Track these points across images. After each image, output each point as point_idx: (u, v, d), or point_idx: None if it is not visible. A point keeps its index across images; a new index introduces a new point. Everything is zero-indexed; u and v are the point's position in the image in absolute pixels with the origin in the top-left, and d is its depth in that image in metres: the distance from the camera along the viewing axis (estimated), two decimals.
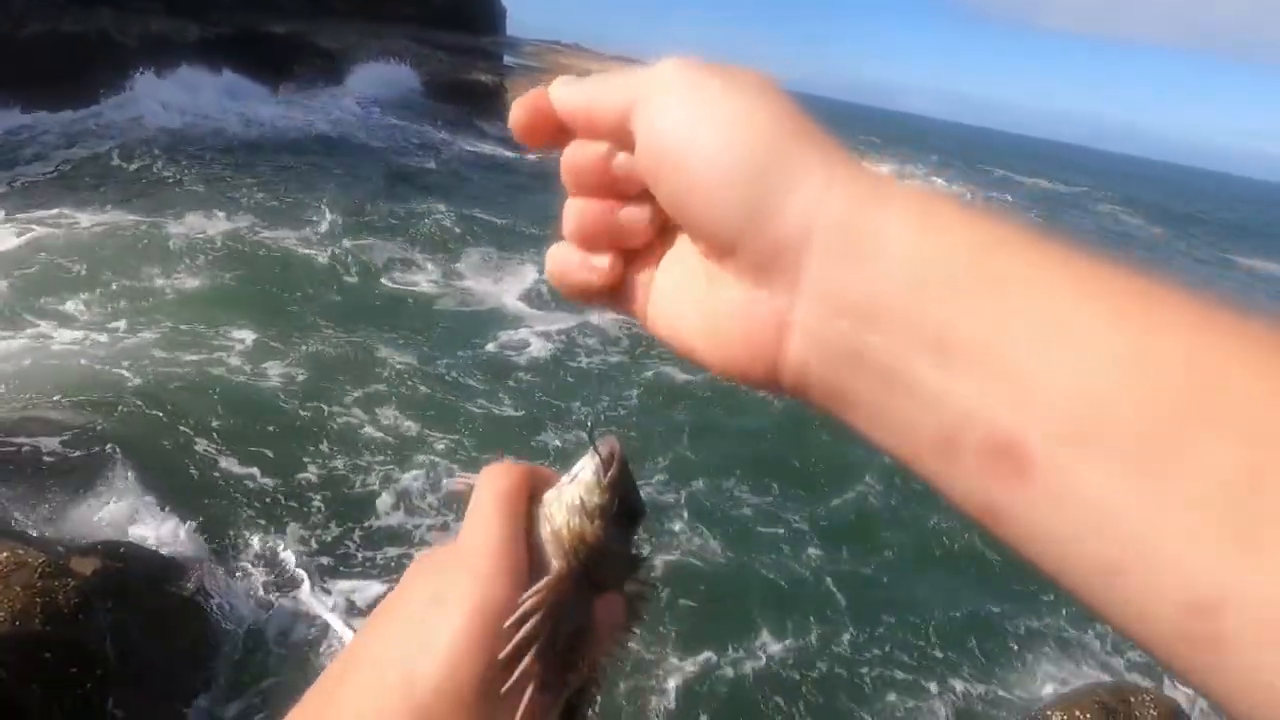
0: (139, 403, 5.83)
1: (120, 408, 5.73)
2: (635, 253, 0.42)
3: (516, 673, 0.43)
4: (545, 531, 0.47)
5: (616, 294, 0.42)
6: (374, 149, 16.52)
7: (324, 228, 10.62)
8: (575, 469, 0.49)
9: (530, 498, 0.49)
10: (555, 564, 0.46)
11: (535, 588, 0.44)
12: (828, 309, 0.33)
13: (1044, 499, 0.28)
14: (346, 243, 10.22)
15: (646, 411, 7.28)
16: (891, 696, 4.53)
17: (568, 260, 0.42)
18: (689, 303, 0.39)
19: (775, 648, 4.69)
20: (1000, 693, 4.66)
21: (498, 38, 41.62)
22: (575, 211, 0.41)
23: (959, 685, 4.68)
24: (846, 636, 4.87)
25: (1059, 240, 0.31)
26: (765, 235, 0.34)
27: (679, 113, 0.36)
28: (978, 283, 0.30)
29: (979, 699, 4.62)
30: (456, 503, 0.51)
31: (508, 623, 0.43)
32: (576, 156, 0.41)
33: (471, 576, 0.44)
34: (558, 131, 0.41)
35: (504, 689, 0.43)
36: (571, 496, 0.47)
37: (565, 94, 0.40)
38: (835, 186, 0.34)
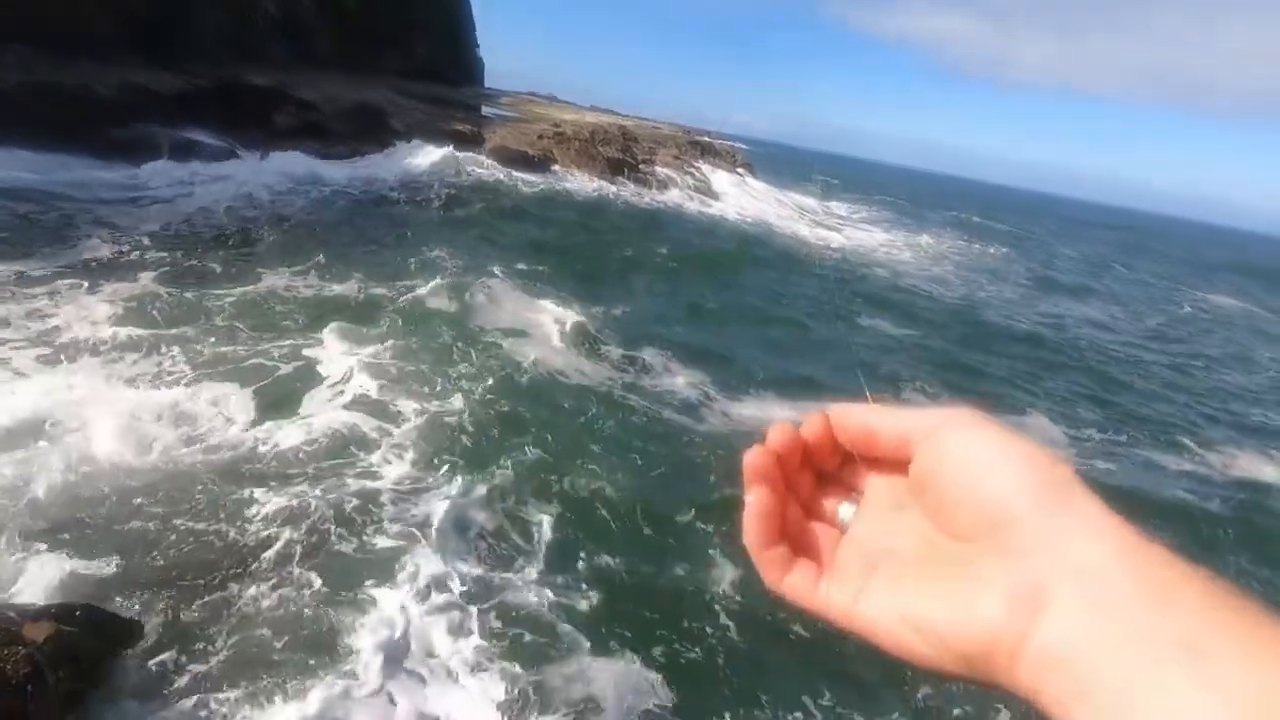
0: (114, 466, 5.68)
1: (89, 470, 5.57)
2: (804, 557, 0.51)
3: None
4: None
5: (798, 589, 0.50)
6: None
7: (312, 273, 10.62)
8: None
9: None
10: None
11: None
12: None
13: None
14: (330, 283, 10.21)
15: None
16: None
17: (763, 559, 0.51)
18: (928, 587, 0.45)
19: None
20: None
21: (477, 89, 42.45)
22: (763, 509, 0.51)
23: None
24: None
25: None
26: (1044, 519, 0.41)
27: (984, 441, 0.45)
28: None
29: None
30: None
31: None
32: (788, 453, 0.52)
33: None
34: (796, 464, 0.52)
35: None
36: None
37: (850, 415, 0.51)
38: (1098, 532, 0.40)
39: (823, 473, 0.54)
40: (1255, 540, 7.87)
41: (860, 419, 0.50)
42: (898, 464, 0.49)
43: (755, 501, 0.50)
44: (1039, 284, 25.50)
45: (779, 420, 0.52)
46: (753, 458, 0.51)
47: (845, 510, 0.52)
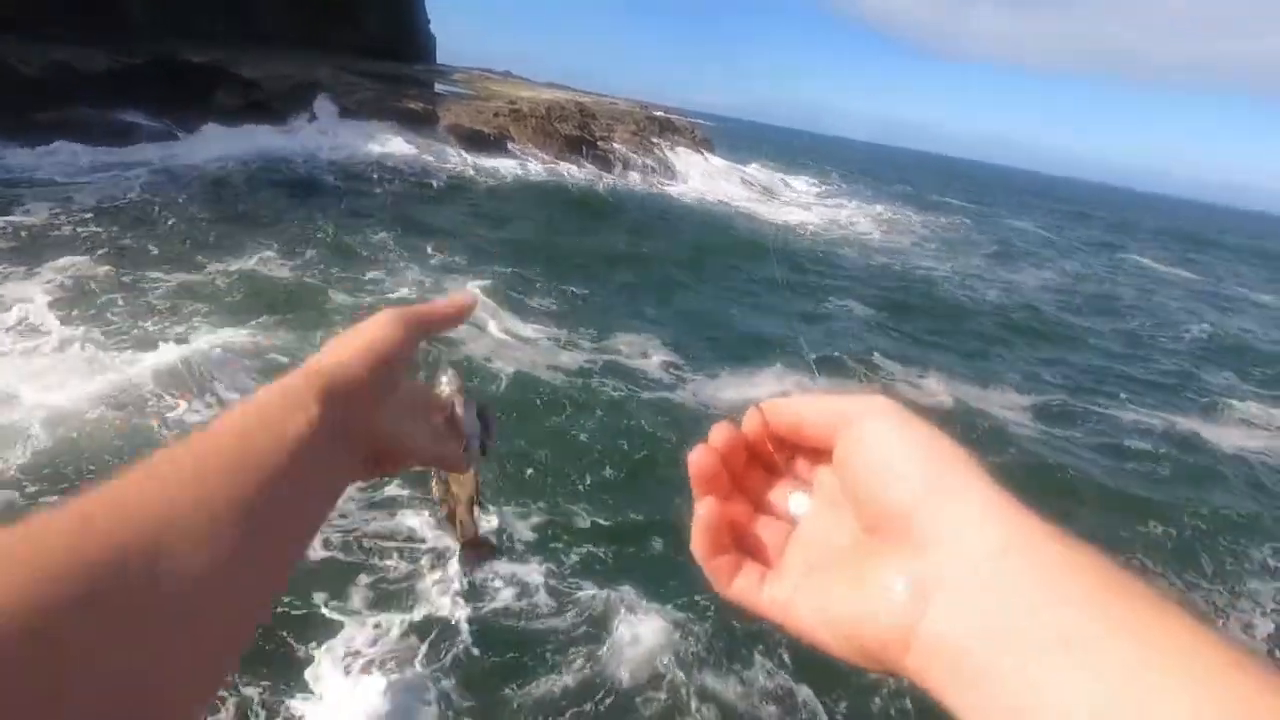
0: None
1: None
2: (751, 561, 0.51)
3: None
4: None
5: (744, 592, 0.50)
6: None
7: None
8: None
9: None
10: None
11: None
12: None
13: None
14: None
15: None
16: None
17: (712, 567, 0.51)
18: (840, 587, 0.45)
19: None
20: None
21: (429, 66, 41.34)
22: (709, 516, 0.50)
23: None
24: None
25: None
26: (937, 509, 0.42)
27: (889, 431, 0.46)
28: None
29: None
30: None
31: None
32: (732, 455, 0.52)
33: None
34: (741, 461, 0.52)
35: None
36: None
37: (782, 409, 0.51)
38: (987, 523, 0.41)
39: (773, 467, 0.53)
40: (1197, 496, 8.11)
41: (790, 411, 0.50)
42: (828, 454, 0.49)
43: (704, 514, 0.50)
44: (995, 255, 25.98)
45: (721, 420, 0.52)
46: (696, 458, 0.51)
47: (797, 503, 0.52)
